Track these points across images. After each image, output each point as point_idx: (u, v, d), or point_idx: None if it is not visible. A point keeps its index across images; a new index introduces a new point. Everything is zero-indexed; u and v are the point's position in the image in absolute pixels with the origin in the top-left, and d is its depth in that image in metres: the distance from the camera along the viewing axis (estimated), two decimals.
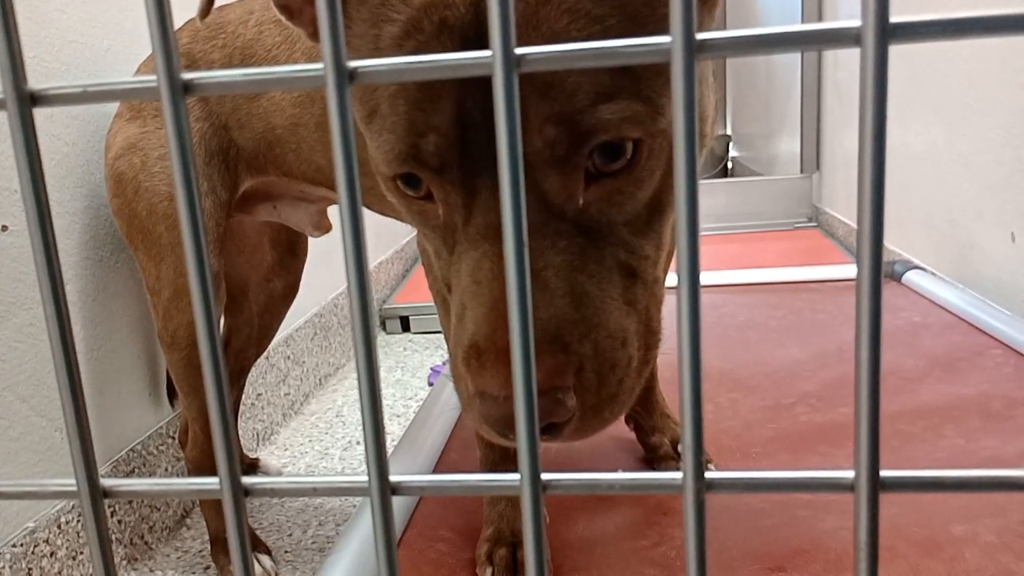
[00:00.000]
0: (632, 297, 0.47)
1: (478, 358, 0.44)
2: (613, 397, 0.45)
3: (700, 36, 0.19)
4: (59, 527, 1.00)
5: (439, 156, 0.45)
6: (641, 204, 0.47)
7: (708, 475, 0.21)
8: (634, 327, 0.47)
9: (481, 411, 0.44)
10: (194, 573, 1.12)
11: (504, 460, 0.80)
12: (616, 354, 0.45)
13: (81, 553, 1.03)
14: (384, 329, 2.17)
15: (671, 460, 0.92)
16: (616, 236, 0.47)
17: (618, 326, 0.46)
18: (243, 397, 1.35)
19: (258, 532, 1.19)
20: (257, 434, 1.48)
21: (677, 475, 0.21)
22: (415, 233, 0.90)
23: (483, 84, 0.43)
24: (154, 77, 0.21)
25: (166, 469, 1.23)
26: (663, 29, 0.19)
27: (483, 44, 0.43)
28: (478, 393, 0.44)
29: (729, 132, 3.90)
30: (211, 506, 1.09)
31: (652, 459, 0.93)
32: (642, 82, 0.43)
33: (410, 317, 2.14)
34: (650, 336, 0.49)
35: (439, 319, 0.82)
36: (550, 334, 0.43)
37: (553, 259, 0.44)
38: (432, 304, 0.87)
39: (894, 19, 0.18)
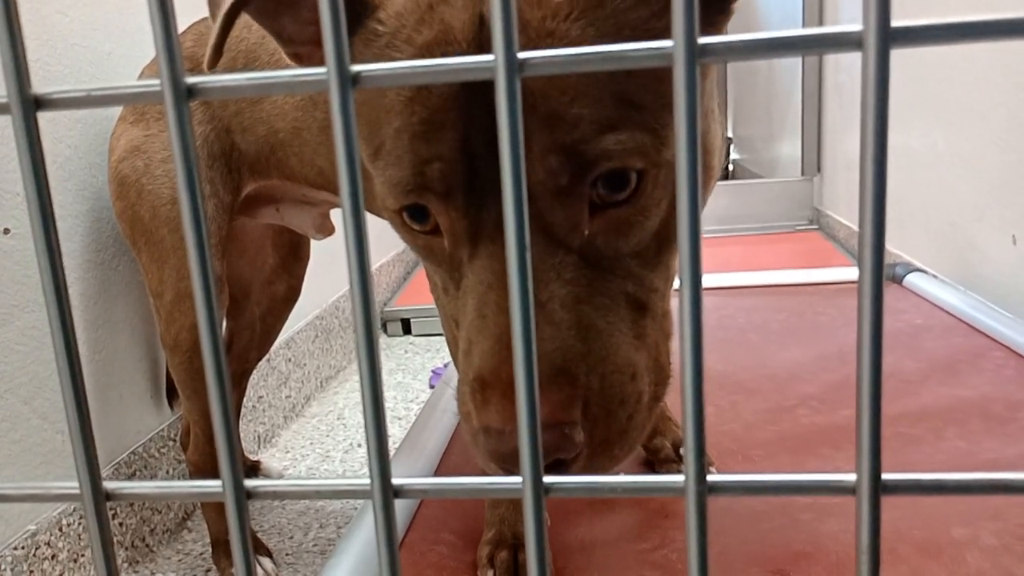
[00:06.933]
0: (641, 331, 0.46)
1: (482, 392, 0.43)
2: (622, 433, 0.44)
3: (702, 40, 0.19)
4: (60, 530, 1.00)
5: (444, 181, 0.44)
6: (648, 235, 0.46)
7: (710, 478, 0.21)
8: (644, 361, 0.46)
9: (486, 446, 0.43)
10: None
11: None
12: (625, 389, 0.44)
13: (82, 556, 1.03)
14: (385, 332, 2.17)
15: (672, 463, 0.92)
16: (623, 268, 0.46)
17: (626, 360, 0.44)
18: (244, 400, 1.35)
19: (259, 535, 1.19)
20: (258, 436, 1.48)
21: (679, 478, 0.21)
22: None
23: (486, 118, 0.42)
24: (158, 81, 0.21)
25: (167, 472, 1.23)
26: None
27: (484, 81, 0.42)
28: (482, 428, 0.43)
29: (730, 135, 3.90)
30: (212, 509, 1.09)
31: (653, 462, 0.93)
32: (646, 113, 0.43)
33: (411, 320, 2.14)
34: (659, 372, 0.47)
35: (448, 347, 0.80)
36: (556, 367, 0.42)
37: (559, 291, 0.44)
38: (433, 307, 0.87)
39: (895, 23, 0.18)
